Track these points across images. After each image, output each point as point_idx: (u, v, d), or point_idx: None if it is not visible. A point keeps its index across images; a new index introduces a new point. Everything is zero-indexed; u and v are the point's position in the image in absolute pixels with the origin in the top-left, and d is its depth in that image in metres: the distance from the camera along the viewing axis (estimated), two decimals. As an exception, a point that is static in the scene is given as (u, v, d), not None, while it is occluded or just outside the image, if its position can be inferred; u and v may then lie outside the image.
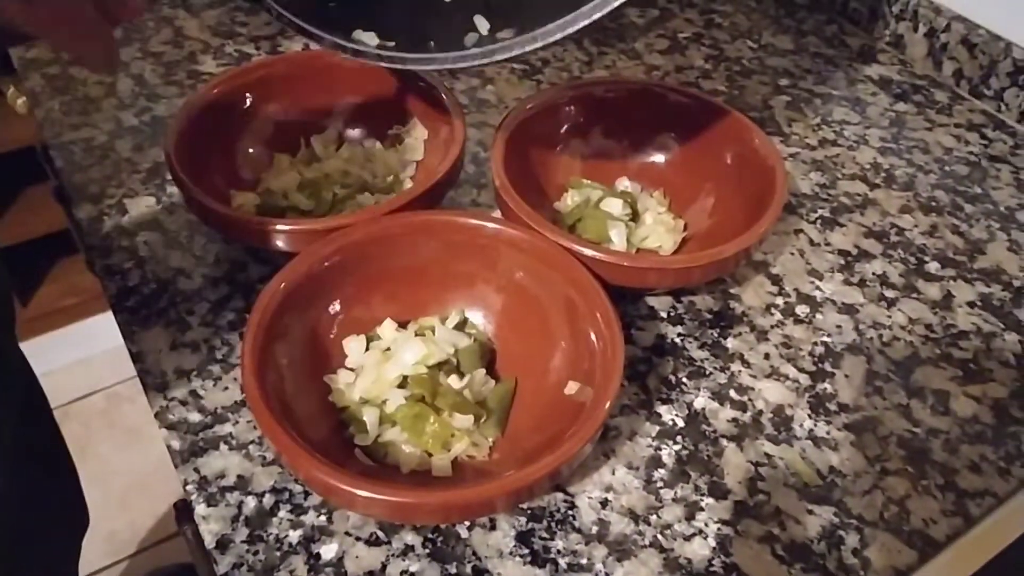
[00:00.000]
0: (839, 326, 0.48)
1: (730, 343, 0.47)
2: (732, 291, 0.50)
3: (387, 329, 0.43)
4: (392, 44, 0.45)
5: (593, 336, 0.40)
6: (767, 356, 0.46)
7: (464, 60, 0.42)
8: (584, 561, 0.37)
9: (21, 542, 0.58)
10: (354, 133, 0.55)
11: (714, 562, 0.38)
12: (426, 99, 0.52)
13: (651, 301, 0.49)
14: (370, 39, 0.45)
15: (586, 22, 0.39)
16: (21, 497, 0.57)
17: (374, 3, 0.47)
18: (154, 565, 1.08)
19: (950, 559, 0.39)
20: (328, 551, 0.37)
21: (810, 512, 0.40)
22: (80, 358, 1.31)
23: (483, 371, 0.42)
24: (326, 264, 0.42)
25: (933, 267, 0.52)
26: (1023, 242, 0.54)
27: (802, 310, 0.49)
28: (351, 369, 0.42)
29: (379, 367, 0.41)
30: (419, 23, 0.46)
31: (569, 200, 0.52)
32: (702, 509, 0.39)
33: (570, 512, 0.39)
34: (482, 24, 0.44)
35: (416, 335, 0.43)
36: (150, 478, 1.18)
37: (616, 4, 0.38)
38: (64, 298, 1.25)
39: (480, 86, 0.64)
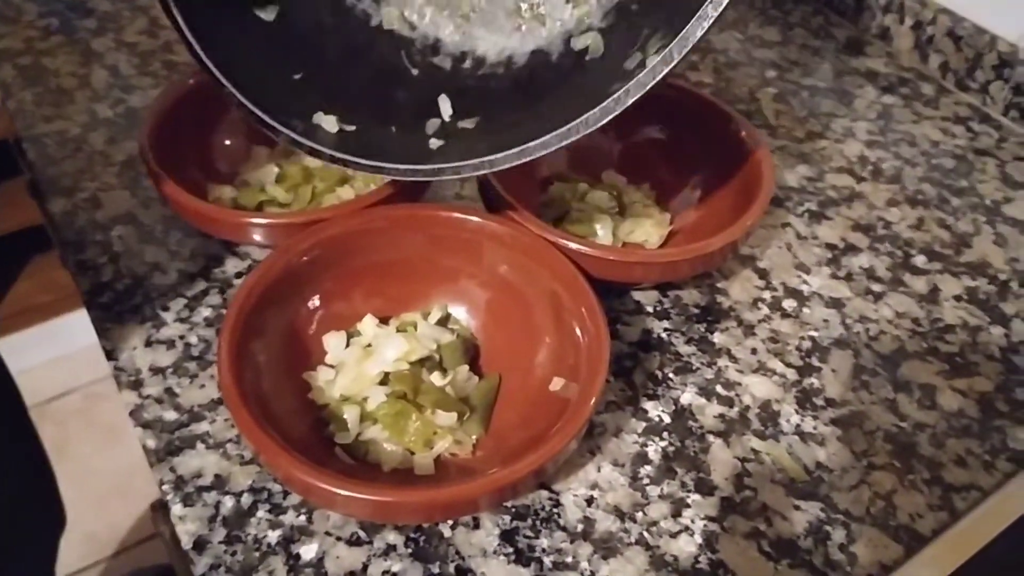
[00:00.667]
0: (826, 320, 0.48)
1: (717, 338, 0.46)
2: (719, 285, 0.49)
3: (368, 325, 0.42)
4: (353, 128, 0.44)
5: (578, 331, 0.39)
6: (754, 351, 0.46)
7: (416, 174, 0.42)
8: (569, 560, 0.37)
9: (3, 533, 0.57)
10: (335, 125, 0.54)
11: (700, 559, 0.37)
12: (408, 90, 0.51)
13: (637, 296, 0.48)
14: (330, 125, 0.44)
15: (533, 156, 0.38)
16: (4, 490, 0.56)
17: (340, 73, 0.46)
18: (133, 567, 1.07)
19: (936, 553, 0.39)
20: (308, 551, 0.36)
21: (797, 508, 0.39)
22: (56, 356, 1.29)
23: (466, 367, 0.42)
24: (305, 259, 0.41)
25: (920, 261, 0.52)
26: (1008, 235, 0.54)
27: (789, 304, 0.49)
28: (331, 366, 0.41)
29: (360, 364, 0.40)
30: (383, 96, 0.46)
31: (554, 193, 0.51)
32: (688, 506, 0.39)
33: (555, 510, 0.38)
34: (445, 108, 0.44)
35: (398, 331, 0.42)
36: (129, 478, 1.16)
37: (562, 145, 0.37)
38: (40, 294, 1.23)
39: (463, 78, 0.63)
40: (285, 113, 0.44)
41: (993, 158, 0.60)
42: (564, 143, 0.37)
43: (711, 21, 0.33)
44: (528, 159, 0.38)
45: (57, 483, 0.70)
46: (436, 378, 0.40)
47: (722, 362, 0.45)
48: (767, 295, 0.49)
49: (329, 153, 0.43)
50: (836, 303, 0.49)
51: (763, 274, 0.50)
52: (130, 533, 1.12)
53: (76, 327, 1.25)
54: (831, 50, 0.70)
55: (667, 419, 0.42)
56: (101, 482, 1.16)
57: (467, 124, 0.43)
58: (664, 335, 0.46)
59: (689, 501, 0.39)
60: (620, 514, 0.38)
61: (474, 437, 0.40)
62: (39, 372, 1.27)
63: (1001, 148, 0.61)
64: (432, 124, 0.43)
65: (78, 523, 0.76)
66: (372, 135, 0.44)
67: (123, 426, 1.23)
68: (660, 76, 0.35)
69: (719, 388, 0.44)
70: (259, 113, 0.43)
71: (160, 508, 0.57)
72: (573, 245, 0.41)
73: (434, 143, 0.43)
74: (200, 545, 0.36)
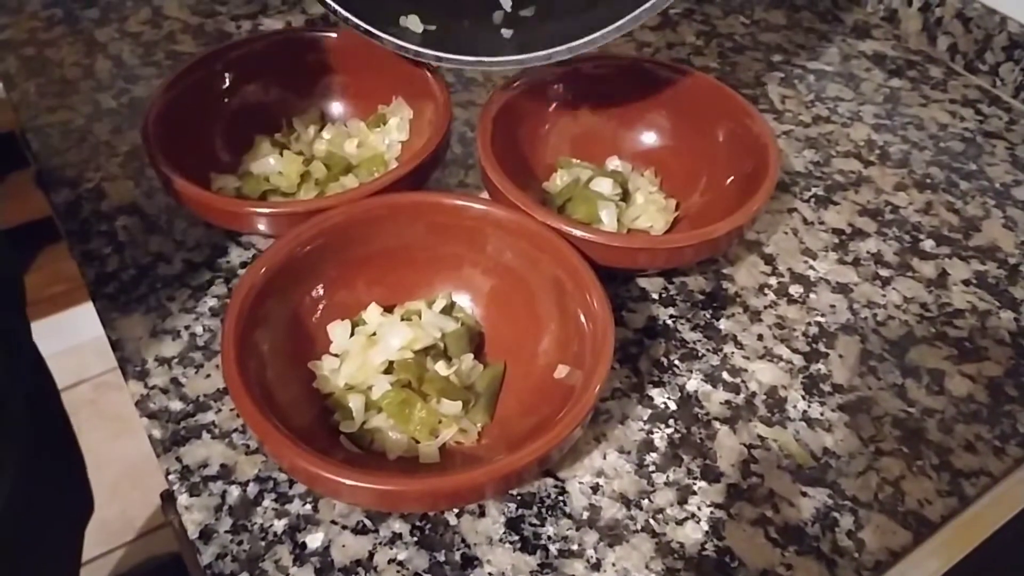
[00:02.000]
0: (833, 306, 0.48)
1: (723, 324, 0.46)
2: (725, 271, 0.49)
3: (372, 314, 0.42)
4: (434, 28, 0.48)
5: (583, 318, 0.39)
6: (760, 337, 0.46)
7: (496, 64, 0.46)
8: (575, 547, 0.37)
9: (30, 522, 0.58)
10: (337, 113, 0.54)
11: (707, 546, 0.37)
12: (411, 78, 0.51)
13: (642, 282, 0.48)
14: (415, 25, 0.48)
15: (605, 41, 0.42)
16: (29, 478, 0.57)
17: None
18: (146, 555, 1.08)
19: (945, 539, 0.39)
20: (314, 540, 0.37)
21: (804, 494, 0.39)
22: (67, 347, 1.30)
23: (471, 356, 0.42)
24: (308, 248, 0.40)
25: (928, 245, 0.51)
26: (1018, 219, 0.53)
27: (796, 290, 0.48)
28: (336, 355, 0.41)
29: (364, 352, 0.40)
30: None
31: (558, 180, 0.51)
32: (695, 493, 0.39)
33: (561, 498, 0.38)
34: (506, 0, 0.48)
35: (402, 319, 0.42)
36: (140, 467, 1.17)
37: (617, 34, 0.41)
38: (50, 286, 1.24)
39: (467, 65, 0.63)
40: (379, 21, 0.47)
41: (1003, 141, 0.59)
42: (638, 24, 0.40)
43: None
44: (600, 44, 0.42)
45: (85, 466, 0.71)
46: (441, 367, 0.40)
47: (728, 348, 0.45)
48: (773, 281, 0.49)
49: (417, 50, 0.47)
50: (843, 288, 0.48)
51: (769, 260, 0.50)
52: (142, 522, 1.13)
53: (86, 318, 1.26)
54: (838, 33, 0.69)
55: (673, 406, 0.42)
56: (113, 471, 1.16)
57: (527, 12, 0.47)
58: (670, 322, 0.46)
59: (695, 488, 0.39)
60: (626, 501, 0.38)
61: (479, 425, 0.40)
62: (50, 362, 1.28)
63: (1011, 131, 0.60)
64: (498, 15, 0.48)
65: (89, 512, 0.76)
66: (451, 31, 0.48)
67: (133, 416, 1.23)
68: None
69: (725, 375, 0.44)
70: (362, 24, 0.47)
71: (169, 497, 0.58)
72: (577, 232, 0.41)
73: (506, 33, 0.47)
74: (206, 535, 0.36)
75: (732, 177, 0.49)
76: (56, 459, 0.65)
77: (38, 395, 0.61)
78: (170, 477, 0.38)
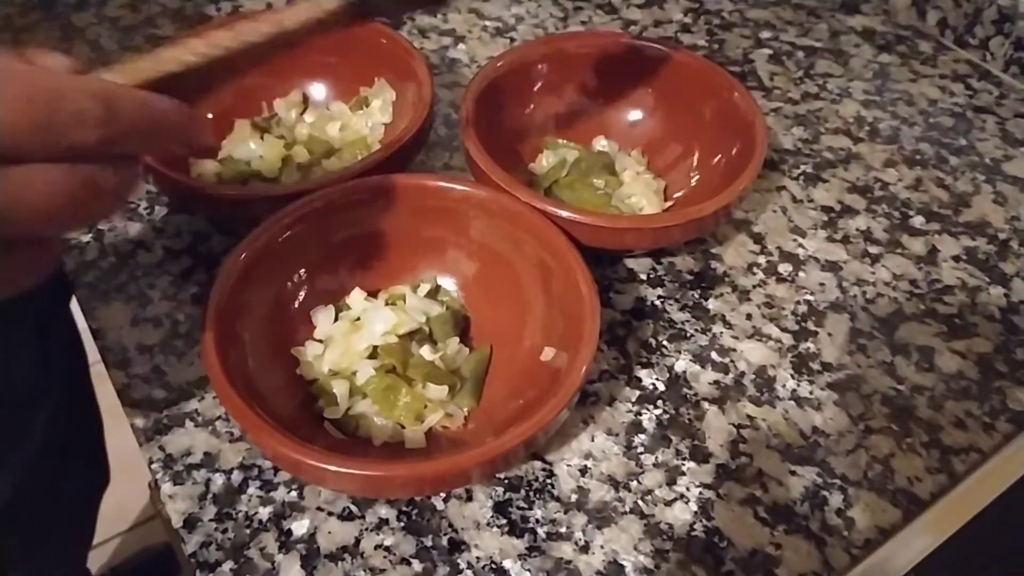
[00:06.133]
0: (822, 284, 0.47)
1: (711, 304, 0.46)
2: (713, 251, 0.49)
3: (356, 298, 0.42)
4: None
5: (568, 300, 0.38)
6: (749, 316, 0.45)
7: None
8: (563, 530, 0.36)
9: (52, 482, 0.61)
10: (319, 96, 0.53)
11: (696, 526, 0.37)
12: (393, 59, 0.50)
13: (630, 263, 0.48)
14: None
15: None
16: (55, 439, 0.58)
17: None
18: (140, 545, 1.07)
19: (935, 517, 0.39)
20: (299, 527, 0.36)
21: (793, 473, 0.39)
22: (58, 338, 1.29)
23: (456, 340, 0.41)
24: (289, 232, 0.40)
25: (918, 221, 0.51)
26: (1008, 194, 0.53)
27: (785, 268, 0.48)
28: (319, 341, 0.41)
29: (348, 338, 0.40)
30: None
31: (544, 161, 0.50)
32: (683, 473, 0.39)
33: (548, 480, 0.38)
34: None
35: (386, 304, 0.41)
36: (135, 457, 1.16)
37: None
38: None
39: (451, 45, 0.62)
40: None
41: (993, 115, 0.59)
42: None
43: None
44: None
45: (105, 440, 0.72)
46: (426, 351, 0.40)
47: (717, 328, 0.45)
48: (762, 260, 0.48)
49: None
50: (832, 266, 0.48)
51: (758, 238, 0.50)
52: (136, 512, 1.12)
53: (75, 310, 1.25)
54: (827, 9, 0.68)
55: (661, 387, 0.42)
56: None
57: None
58: (658, 302, 0.46)
59: (684, 469, 0.39)
60: (614, 483, 0.38)
61: (465, 410, 0.39)
62: (39, 355, 1.27)
63: (1001, 105, 0.59)
64: None
65: (81, 503, 0.77)
66: None
67: (125, 407, 1.23)
68: None
69: (714, 355, 0.43)
70: None
71: (155, 486, 0.58)
72: (563, 213, 0.41)
73: None
74: (191, 523, 0.36)
75: (720, 156, 0.48)
76: (76, 425, 0.66)
77: (76, 362, 0.64)
78: (153, 466, 0.38)
